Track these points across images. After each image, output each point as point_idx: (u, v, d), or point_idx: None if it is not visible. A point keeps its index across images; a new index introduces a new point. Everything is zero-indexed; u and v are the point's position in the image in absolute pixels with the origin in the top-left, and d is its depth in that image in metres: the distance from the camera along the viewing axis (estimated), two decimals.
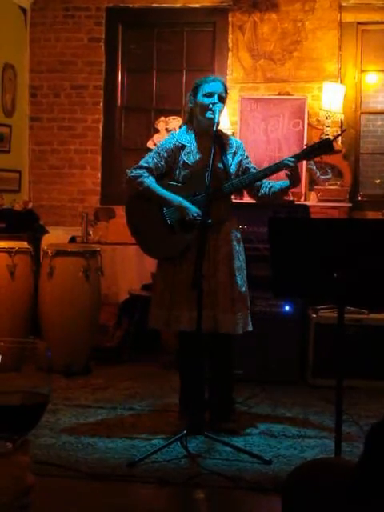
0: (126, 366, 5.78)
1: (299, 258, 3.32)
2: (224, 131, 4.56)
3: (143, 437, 4.00)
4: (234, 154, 4.17)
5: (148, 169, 4.13)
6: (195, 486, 3.36)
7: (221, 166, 4.09)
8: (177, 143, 4.15)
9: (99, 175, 7.43)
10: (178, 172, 4.13)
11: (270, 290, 3.59)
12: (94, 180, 7.44)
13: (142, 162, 4.16)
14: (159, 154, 4.15)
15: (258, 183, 4.13)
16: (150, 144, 7.23)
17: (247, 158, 4.24)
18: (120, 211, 7.27)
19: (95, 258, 5.63)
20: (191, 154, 4.11)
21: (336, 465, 1.64)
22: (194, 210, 4.03)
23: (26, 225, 6.55)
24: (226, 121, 6.57)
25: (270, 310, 5.29)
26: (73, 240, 6.56)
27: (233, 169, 4.13)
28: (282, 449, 3.87)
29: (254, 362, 5.15)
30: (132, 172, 4.17)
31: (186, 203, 4.06)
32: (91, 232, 6.62)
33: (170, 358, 5.65)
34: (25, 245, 5.61)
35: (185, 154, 4.11)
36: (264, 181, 4.14)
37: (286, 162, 4.00)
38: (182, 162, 4.11)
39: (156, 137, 7.22)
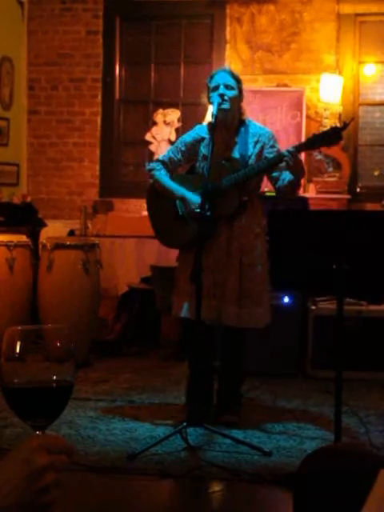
0: (125, 359, 5.79)
1: (298, 249, 3.32)
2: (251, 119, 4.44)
3: (143, 429, 4.01)
4: (256, 142, 4.10)
5: (162, 162, 4.19)
6: (195, 478, 3.36)
7: (237, 155, 4.07)
8: (196, 136, 4.18)
9: (97, 168, 7.42)
10: (198, 164, 4.17)
11: (270, 281, 3.60)
12: (92, 173, 7.44)
13: (160, 156, 4.26)
14: (177, 147, 4.21)
15: (277, 174, 4.03)
16: (148, 137, 7.22)
17: (272, 147, 4.07)
18: (118, 204, 7.29)
19: (94, 251, 5.62)
20: (209, 146, 4.11)
21: (352, 451, 1.61)
22: (193, 201, 4.02)
23: (25, 218, 6.55)
24: None
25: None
26: (71, 233, 6.56)
27: (253, 158, 4.06)
28: (282, 440, 3.87)
29: (254, 354, 5.15)
30: (149, 165, 4.28)
31: (187, 195, 4.06)
32: (90, 225, 6.62)
33: (169, 351, 5.66)
34: (24, 238, 5.61)
35: (203, 147, 4.13)
36: (283, 172, 4.00)
37: (284, 152, 3.93)
38: (201, 155, 4.14)
39: (154, 129, 7.21)
